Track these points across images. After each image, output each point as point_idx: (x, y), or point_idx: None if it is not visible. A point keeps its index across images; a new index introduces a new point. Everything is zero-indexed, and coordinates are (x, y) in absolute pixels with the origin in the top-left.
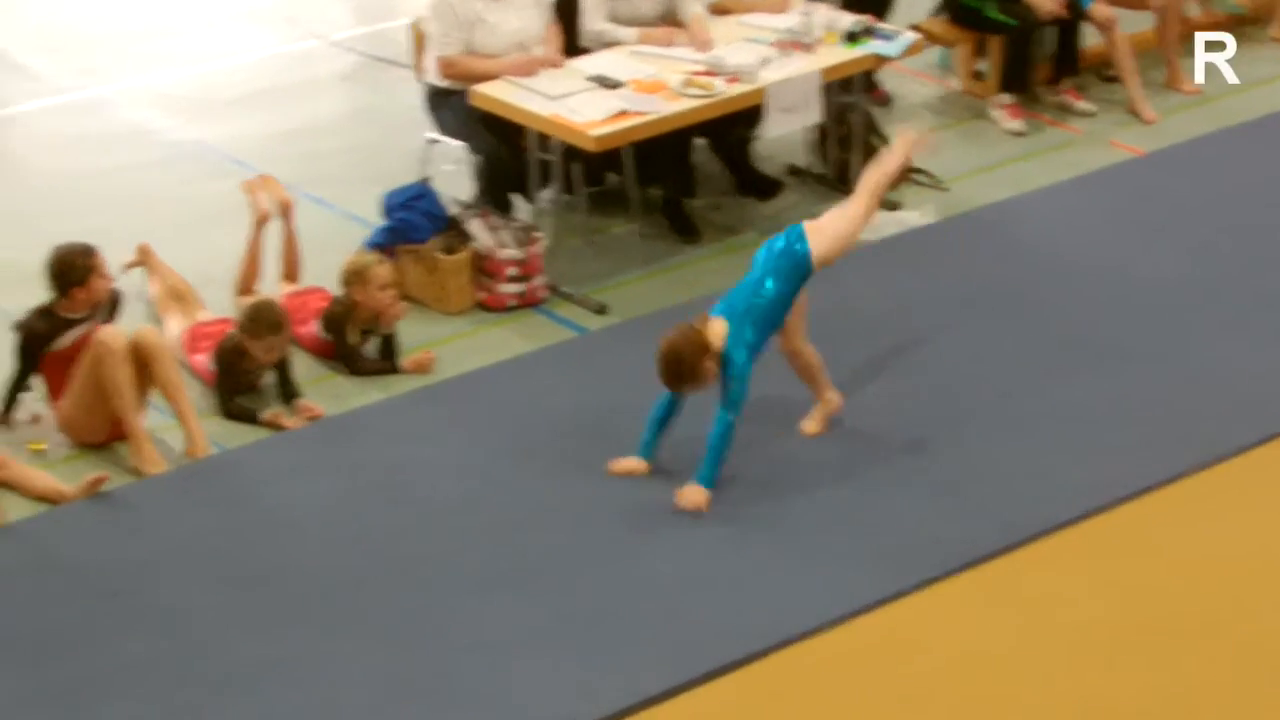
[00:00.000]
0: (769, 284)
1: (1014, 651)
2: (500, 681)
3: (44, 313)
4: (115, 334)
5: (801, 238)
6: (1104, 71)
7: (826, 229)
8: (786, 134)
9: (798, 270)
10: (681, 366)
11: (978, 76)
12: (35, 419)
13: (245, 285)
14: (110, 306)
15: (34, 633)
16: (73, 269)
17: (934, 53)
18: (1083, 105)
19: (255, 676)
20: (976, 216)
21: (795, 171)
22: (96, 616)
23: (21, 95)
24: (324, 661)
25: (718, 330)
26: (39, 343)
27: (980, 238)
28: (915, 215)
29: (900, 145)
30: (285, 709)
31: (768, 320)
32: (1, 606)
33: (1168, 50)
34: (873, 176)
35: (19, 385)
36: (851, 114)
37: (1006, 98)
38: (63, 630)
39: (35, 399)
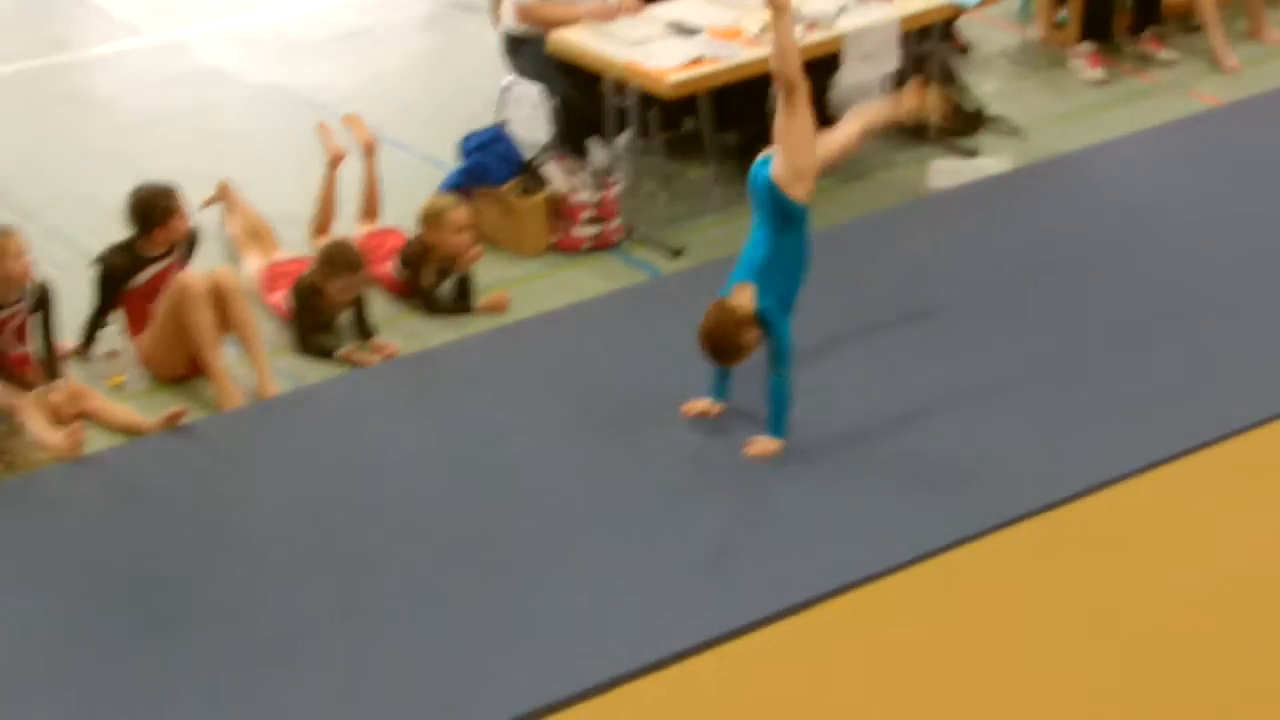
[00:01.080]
0: (757, 232)
1: (1084, 600)
2: (589, 621)
3: (123, 249)
4: (197, 278)
5: (764, 163)
6: (1189, 21)
7: (789, 147)
8: (863, 82)
9: (773, 200)
10: (724, 346)
11: (1058, 25)
12: (114, 353)
13: (321, 226)
14: (188, 245)
15: (122, 564)
16: (153, 209)
17: (1014, 1)
18: (1164, 54)
19: (347, 612)
20: (1053, 164)
21: None
22: (184, 549)
23: (104, 37)
24: (416, 598)
25: (746, 296)
26: (118, 279)
27: (1057, 186)
28: (992, 163)
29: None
30: (378, 644)
31: (781, 266)
32: (88, 537)
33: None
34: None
35: (98, 320)
36: (929, 62)
37: (1087, 46)
38: (152, 562)
39: (115, 333)
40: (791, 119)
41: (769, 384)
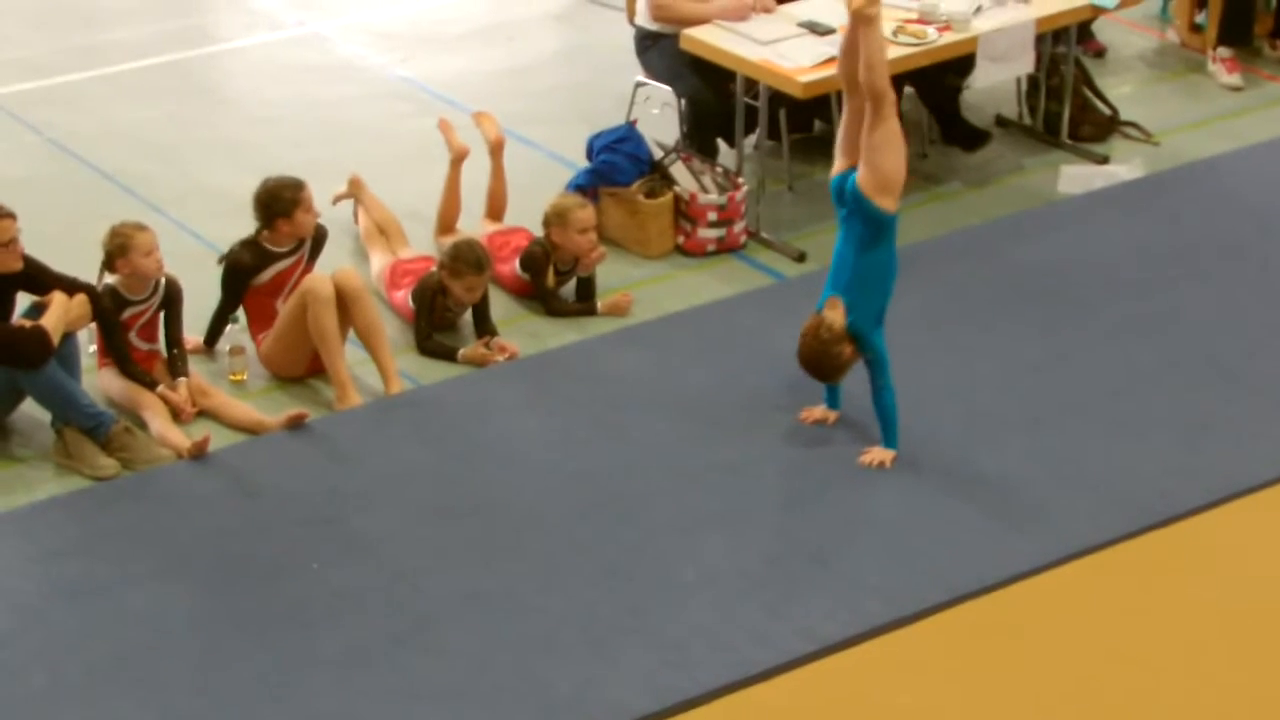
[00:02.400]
0: (844, 246)
1: (1211, 610)
2: (700, 621)
3: (249, 245)
4: (324, 281)
5: (845, 177)
6: None
7: (876, 158)
8: (997, 84)
9: (861, 212)
10: (820, 365)
11: (1196, 29)
12: (236, 350)
13: (446, 224)
14: (315, 243)
15: (245, 558)
16: (279, 200)
17: (1153, 3)
18: None
19: (463, 609)
20: (1186, 171)
21: (1003, 122)
22: (306, 544)
23: (242, 29)
24: (532, 595)
25: (837, 313)
26: (244, 275)
27: (1190, 193)
28: (1124, 169)
29: None
30: (494, 641)
31: (871, 280)
32: (210, 532)
33: None
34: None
35: (223, 316)
36: (1064, 65)
37: (1225, 51)
38: (275, 557)
39: (239, 330)
40: (878, 129)
41: (873, 397)
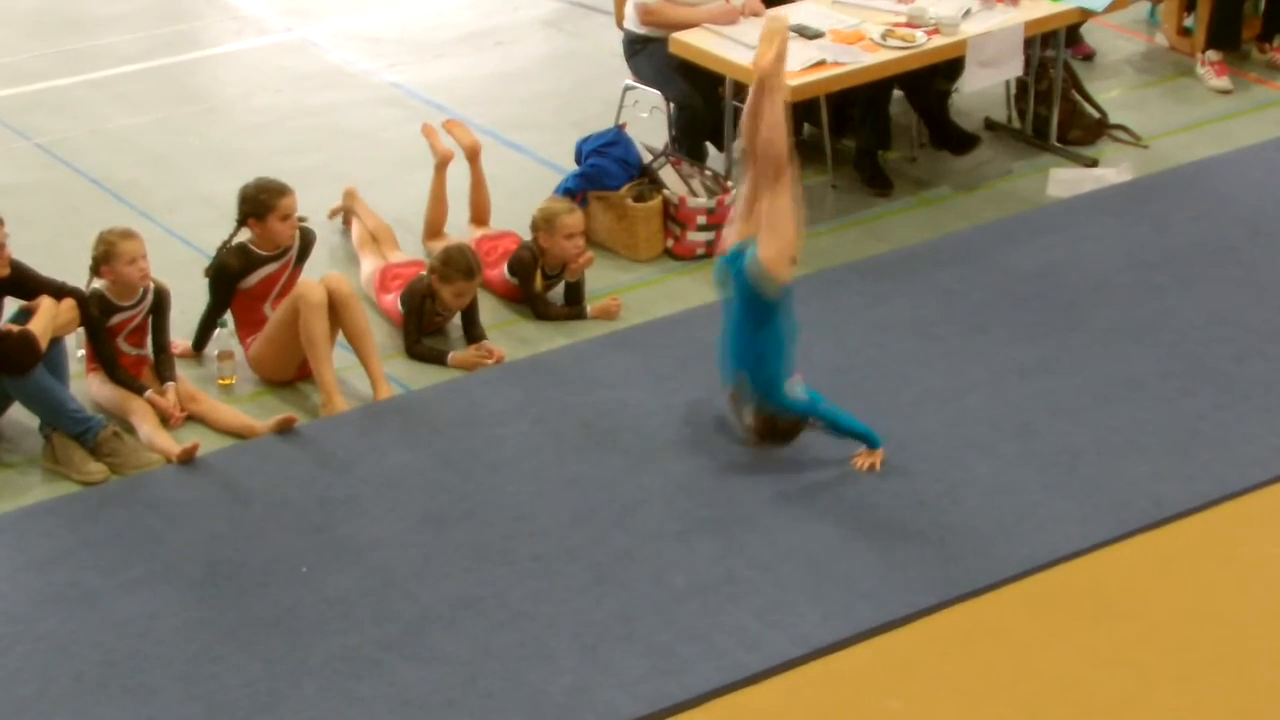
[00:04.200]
0: (737, 327)
1: (1201, 613)
2: (691, 627)
3: (236, 249)
4: (316, 287)
5: (735, 257)
6: None
7: (776, 230)
8: (986, 88)
9: (753, 294)
10: (776, 445)
11: (1185, 32)
12: (225, 355)
13: (433, 229)
14: (304, 248)
15: (236, 564)
16: (254, 201)
17: (1141, 7)
18: None
19: (453, 615)
20: (1176, 175)
21: (992, 126)
22: (296, 550)
23: (230, 35)
24: (522, 601)
25: (748, 414)
26: (231, 278)
27: (1179, 197)
28: (1113, 172)
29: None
30: (484, 648)
31: (770, 353)
32: (198, 537)
33: None
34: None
35: (211, 320)
36: (1053, 69)
37: (1214, 55)
38: (265, 563)
39: (227, 335)
40: (781, 198)
41: (830, 432)
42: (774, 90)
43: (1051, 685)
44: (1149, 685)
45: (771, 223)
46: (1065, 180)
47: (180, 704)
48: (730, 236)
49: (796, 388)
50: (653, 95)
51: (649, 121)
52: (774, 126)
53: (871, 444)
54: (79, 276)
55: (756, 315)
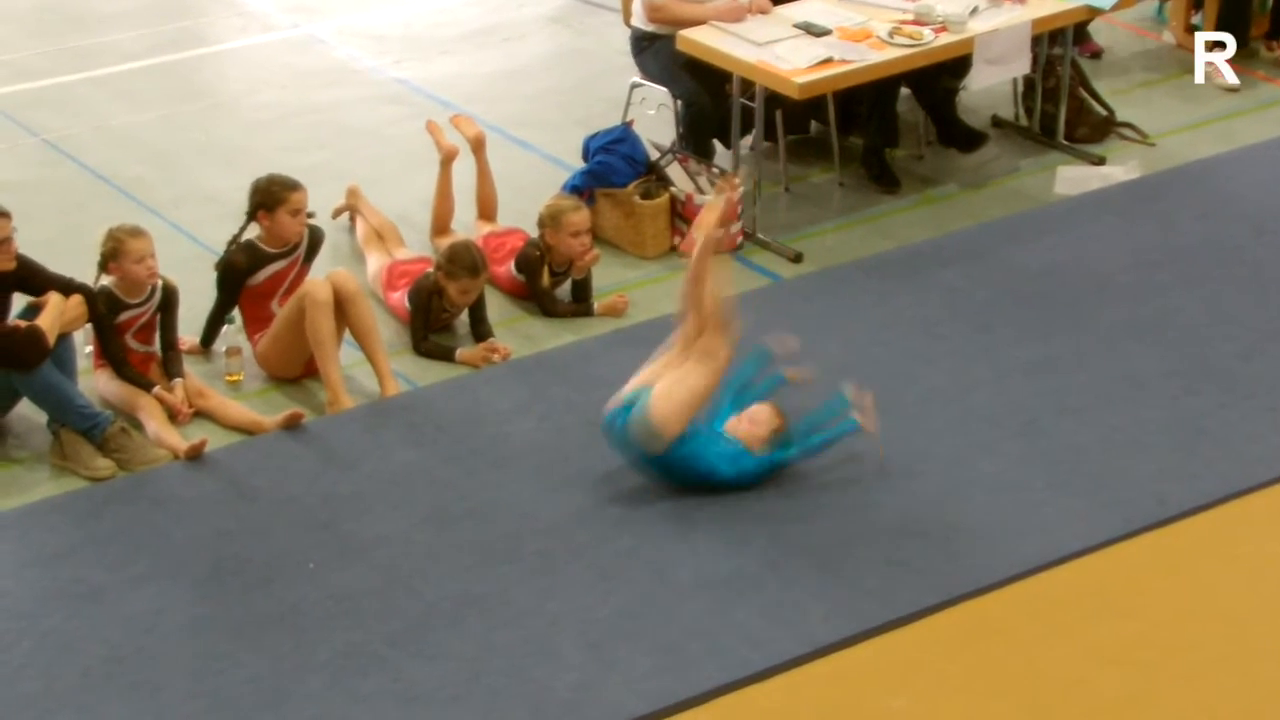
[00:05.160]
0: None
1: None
2: (696, 624)
3: (245, 245)
4: (322, 285)
5: (623, 412)
6: None
7: (683, 390)
8: (993, 85)
9: (639, 455)
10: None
11: (1192, 30)
12: (233, 351)
13: (440, 225)
14: (310, 246)
15: (243, 561)
16: (265, 193)
17: (1148, 5)
18: None
19: (459, 612)
20: (1183, 173)
21: (1000, 124)
22: (302, 547)
23: (236, 32)
24: (529, 598)
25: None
26: (239, 275)
27: (1186, 194)
28: (1120, 170)
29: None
30: (490, 644)
31: (686, 468)
32: (205, 534)
33: None
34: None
35: (219, 316)
36: (1061, 67)
37: (1221, 53)
38: (271, 560)
39: (235, 331)
40: (706, 363)
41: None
42: (704, 250)
43: (1056, 684)
44: (1153, 684)
45: (685, 375)
46: (1072, 178)
47: (186, 700)
48: (628, 385)
49: (756, 447)
50: (660, 92)
51: (656, 119)
52: (719, 290)
53: (849, 423)
54: (84, 272)
55: (655, 464)
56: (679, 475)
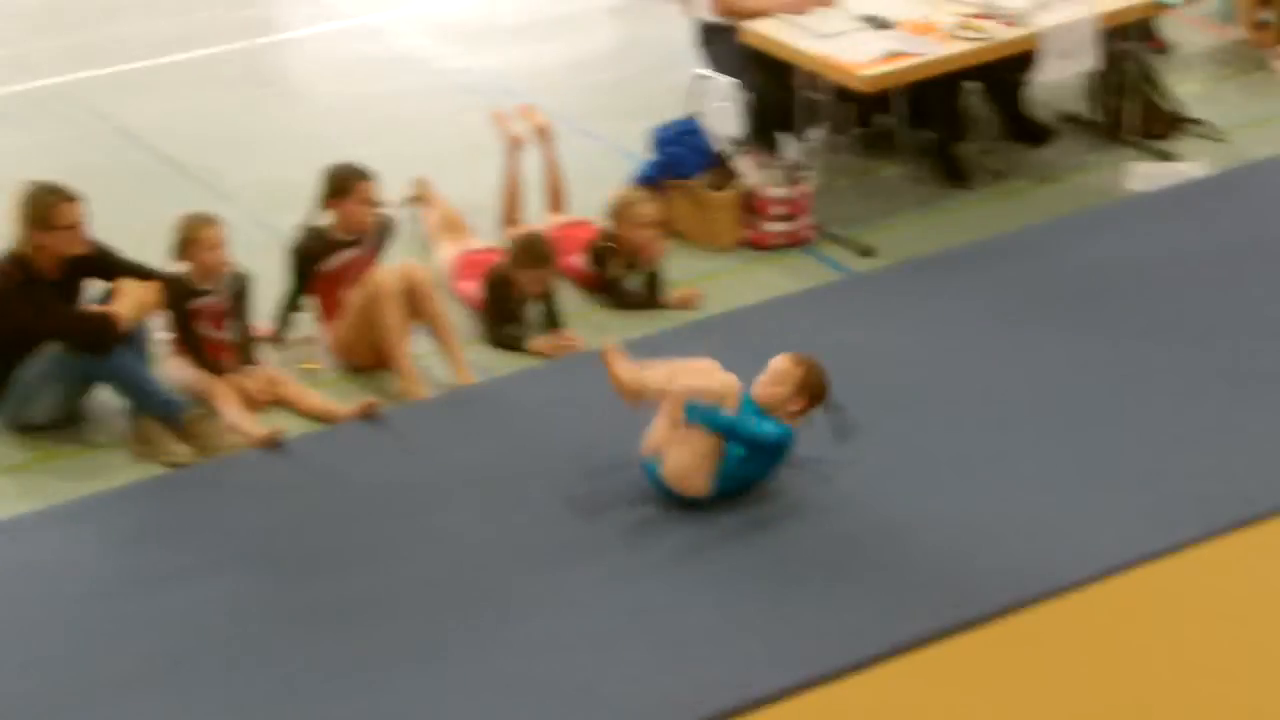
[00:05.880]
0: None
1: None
2: (780, 619)
3: (315, 232)
4: (389, 276)
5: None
6: None
7: (687, 451)
8: (1061, 79)
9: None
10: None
11: (1261, 25)
12: (308, 339)
13: (510, 215)
14: (381, 235)
15: (319, 548)
16: (337, 180)
17: (1215, 0)
18: None
19: (534, 606)
20: (1254, 170)
21: (1068, 118)
22: (378, 535)
23: (303, 20)
24: (601, 594)
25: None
26: (309, 260)
27: (1257, 192)
28: (1190, 166)
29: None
30: (566, 636)
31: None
32: (284, 521)
33: None
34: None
35: (292, 303)
36: (1128, 61)
37: None
38: (347, 547)
39: (310, 319)
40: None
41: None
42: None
43: (1103, 693)
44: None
45: (684, 439)
46: (1142, 174)
47: (259, 684)
48: (651, 434)
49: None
50: (726, 84)
51: (722, 111)
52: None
53: (697, 415)
54: (157, 259)
55: (719, 496)
56: (744, 483)
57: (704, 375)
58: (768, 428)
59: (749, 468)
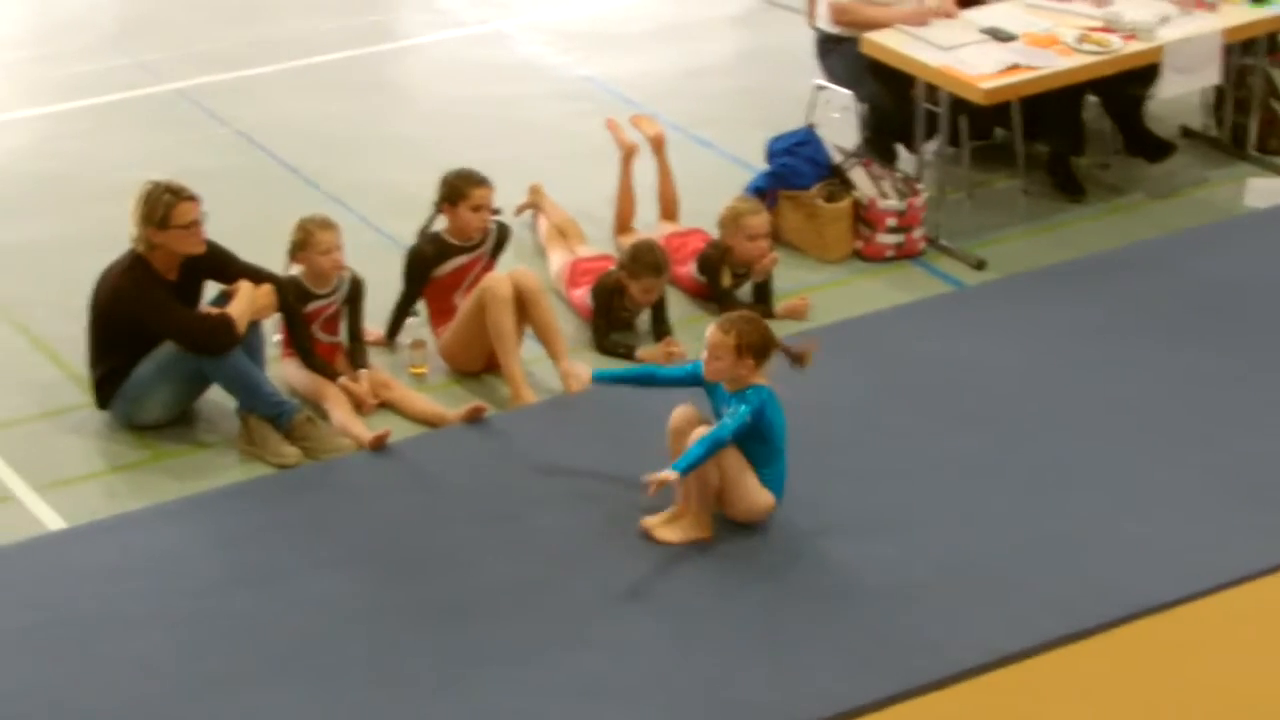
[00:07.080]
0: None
1: None
2: (878, 627)
3: (432, 237)
4: (502, 280)
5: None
6: None
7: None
8: (1182, 95)
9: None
10: (757, 333)
11: None
12: (418, 344)
13: (623, 223)
14: (497, 241)
15: (424, 551)
16: (450, 187)
17: None
18: None
19: (636, 609)
20: None
21: (1189, 134)
22: (482, 539)
23: (425, 27)
24: (693, 596)
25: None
26: (425, 266)
27: None
28: None
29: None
30: (668, 642)
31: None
32: (386, 523)
33: None
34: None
35: (405, 307)
36: (1252, 77)
37: None
38: (452, 550)
39: (420, 324)
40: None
41: (716, 428)
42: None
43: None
44: None
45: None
46: (1263, 190)
47: (362, 686)
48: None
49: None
50: (844, 95)
51: (840, 122)
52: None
53: (679, 464)
54: (272, 261)
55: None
56: (777, 452)
57: (674, 435)
58: (739, 418)
59: (766, 446)
